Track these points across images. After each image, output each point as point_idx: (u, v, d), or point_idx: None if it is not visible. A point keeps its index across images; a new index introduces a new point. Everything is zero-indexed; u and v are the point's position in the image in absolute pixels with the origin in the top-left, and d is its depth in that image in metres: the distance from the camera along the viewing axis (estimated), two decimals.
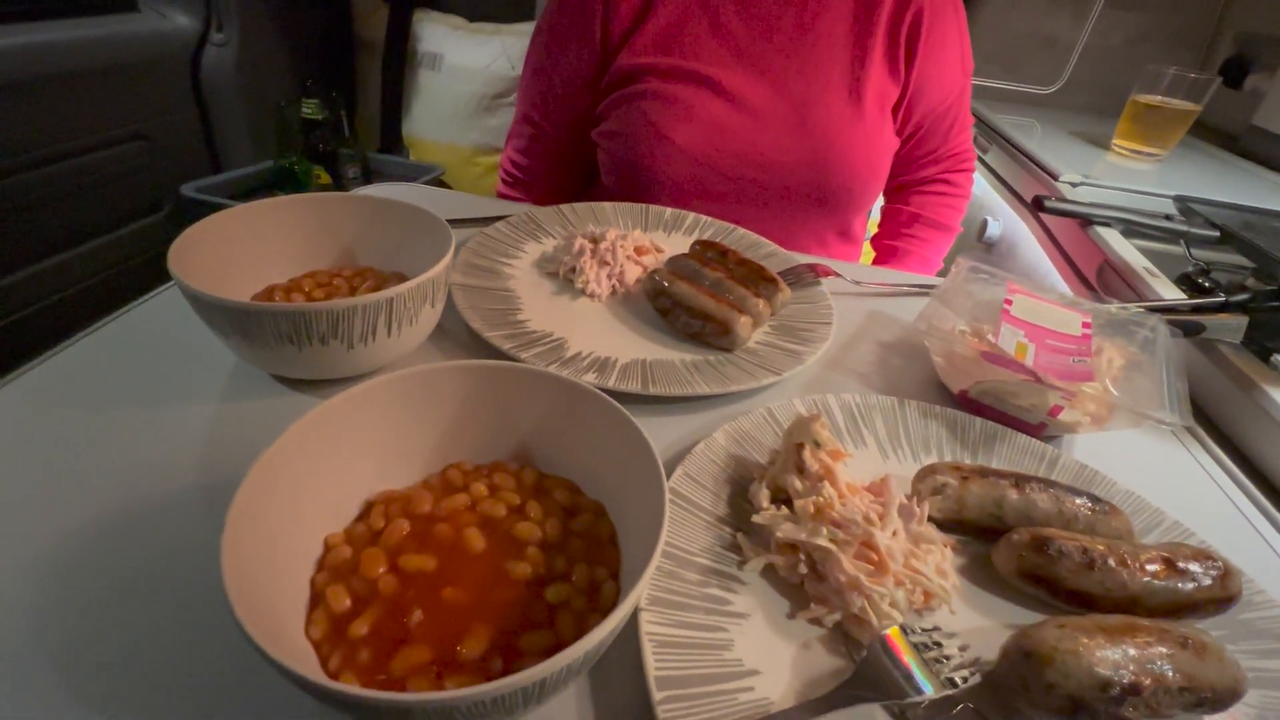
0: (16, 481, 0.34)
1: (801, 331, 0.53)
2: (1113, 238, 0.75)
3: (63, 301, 1.08)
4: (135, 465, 0.35)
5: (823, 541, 0.31)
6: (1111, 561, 0.32)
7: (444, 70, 1.53)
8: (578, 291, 0.56)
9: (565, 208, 0.67)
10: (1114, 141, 1.12)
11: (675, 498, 0.35)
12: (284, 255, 0.48)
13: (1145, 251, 0.77)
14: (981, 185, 1.19)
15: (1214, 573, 0.32)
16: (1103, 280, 0.73)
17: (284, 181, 1.35)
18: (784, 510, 0.33)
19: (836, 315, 0.55)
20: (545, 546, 0.30)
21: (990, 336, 0.45)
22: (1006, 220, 1.09)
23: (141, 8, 1.17)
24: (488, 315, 0.49)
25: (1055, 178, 0.94)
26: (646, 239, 0.62)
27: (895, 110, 0.73)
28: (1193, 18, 1.33)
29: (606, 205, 0.69)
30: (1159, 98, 1.05)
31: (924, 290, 0.64)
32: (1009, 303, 0.50)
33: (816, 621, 0.31)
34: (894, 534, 0.32)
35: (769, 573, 0.33)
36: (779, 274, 0.57)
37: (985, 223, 1.10)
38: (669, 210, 0.70)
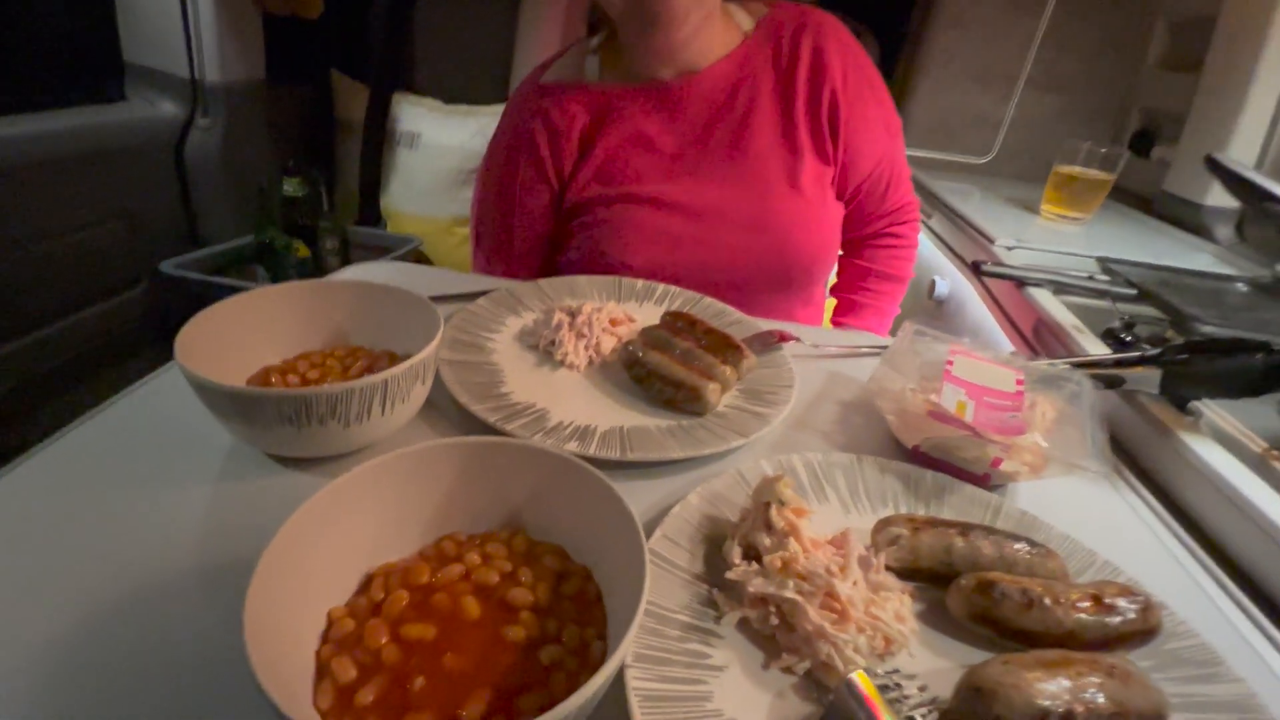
0: (18, 565, 0.35)
1: (766, 395, 0.57)
2: (1044, 297, 0.82)
3: (39, 377, 1.08)
4: (137, 546, 0.37)
5: (790, 594, 0.34)
6: (1048, 601, 0.35)
7: (421, 148, 1.60)
8: (557, 363, 0.59)
9: (544, 282, 0.72)
10: (1043, 207, 1.23)
11: (655, 558, 0.38)
12: (279, 338, 0.51)
13: (1077, 308, 0.84)
14: (929, 247, 1.28)
15: (1137, 607, 0.36)
16: (1039, 337, 0.79)
17: (263, 256, 1.39)
18: (755, 565, 0.36)
19: (798, 378, 0.60)
20: (537, 610, 0.32)
21: (934, 396, 0.50)
22: (954, 280, 1.17)
23: (130, 96, 1.22)
24: (473, 389, 0.52)
25: (991, 241, 1.03)
26: (620, 310, 0.67)
27: (834, 183, 0.81)
28: (1103, 97, 1.49)
29: (581, 279, 0.74)
30: (1078, 168, 1.16)
31: (877, 351, 0.69)
32: (950, 363, 0.55)
33: (789, 670, 0.33)
34: (854, 584, 0.35)
35: (744, 625, 0.35)
36: (743, 341, 0.62)
37: (934, 282, 1.18)
38: (640, 281, 0.75)
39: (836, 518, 0.44)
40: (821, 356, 0.67)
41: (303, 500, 0.30)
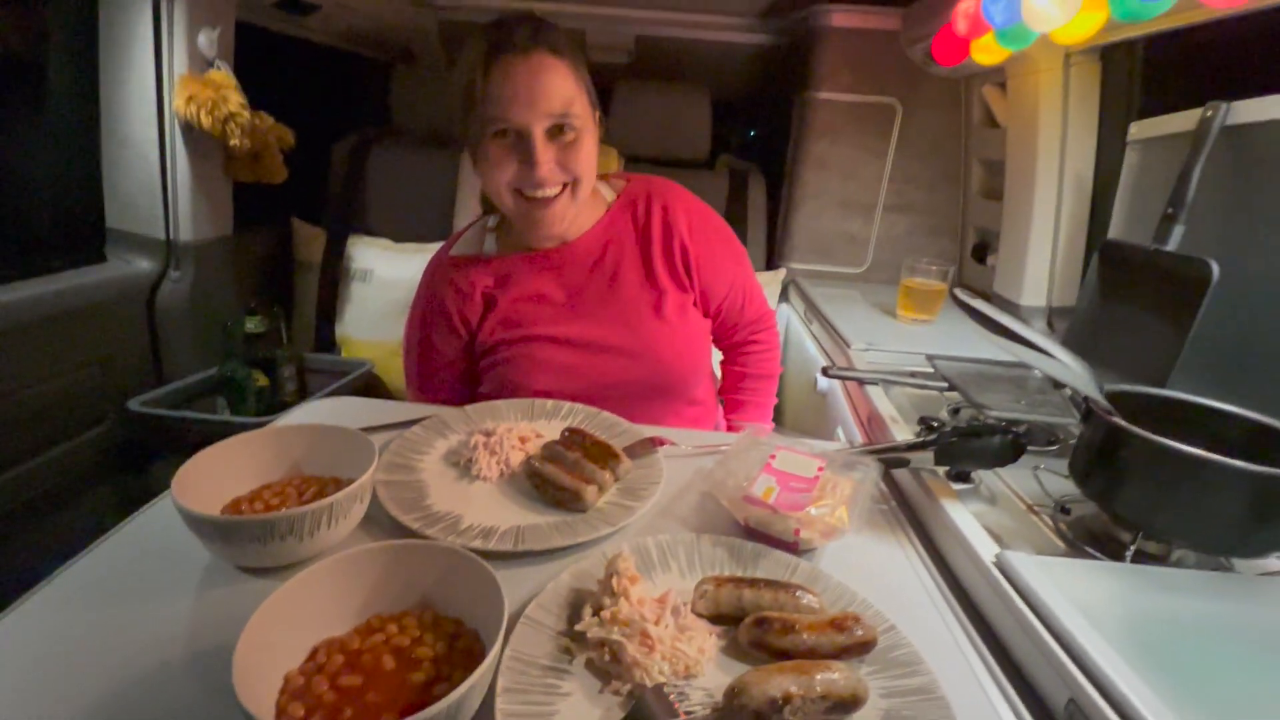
0: (45, 668, 0.47)
1: (639, 491, 0.73)
2: (875, 393, 1.03)
3: (9, 512, 1.15)
4: (140, 643, 0.49)
5: (615, 636, 0.49)
6: (798, 628, 0.51)
7: (373, 282, 1.80)
8: (474, 477, 0.75)
9: (470, 408, 0.89)
10: (898, 311, 1.49)
11: (528, 621, 0.52)
12: (248, 474, 0.65)
13: (917, 398, 1.05)
14: (814, 349, 1.51)
15: (860, 628, 0.52)
16: (871, 425, 0.99)
17: (224, 388, 1.52)
18: (597, 619, 0.51)
19: (670, 473, 0.77)
20: (436, 661, 0.46)
21: (748, 484, 0.67)
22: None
23: (110, 257, 1.39)
24: (403, 503, 0.67)
25: (849, 345, 1.25)
26: (531, 429, 0.83)
27: (696, 305, 1.02)
28: (946, 217, 1.81)
29: (501, 403, 0.91)
30: (918, 279, 1.43)
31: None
32: (773, 458, 0.73)
33: (616, 692, 0.48)
34: (665, 626, 0.51)
35: (589, 664, 0.50)
36: (625, 448, 0.79)
37: (816, 379, 1.40)
38: (550, 402, 0.92)
39: (675, 581, 0.60)
40: (689, 456, 0.84)
41: (267, 598, 0.45)
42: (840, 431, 1.23)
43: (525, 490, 0.73)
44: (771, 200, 1.87)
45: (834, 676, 0.46)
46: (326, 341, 1.86)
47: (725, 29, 1.99)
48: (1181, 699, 0.46)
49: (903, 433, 0.91)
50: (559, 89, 0.83)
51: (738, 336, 1.12)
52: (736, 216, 1.73)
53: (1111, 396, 0.73)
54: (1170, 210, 0.96)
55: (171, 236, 1.43)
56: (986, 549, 0.63)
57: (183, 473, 0.58)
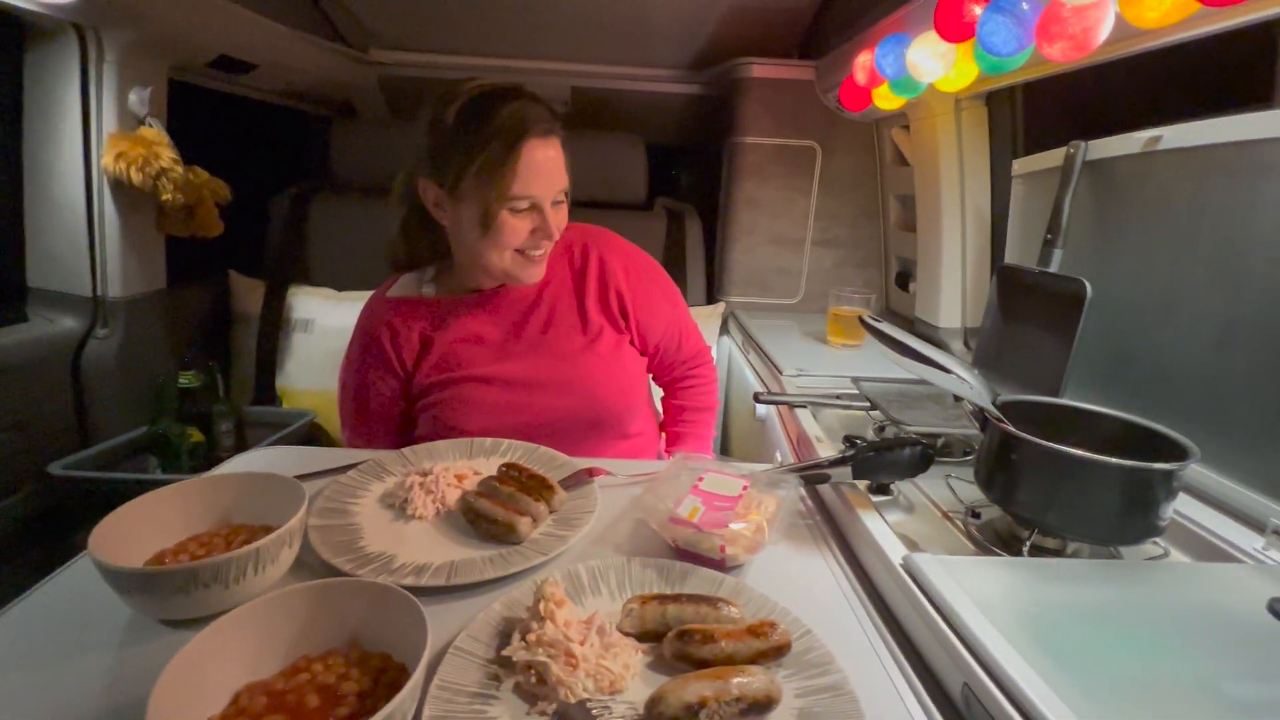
0: None
1: (573, 520, 0.76)
2: (804, 416, 1.08)
3: None
4: (63, 699, 0.48)
5: (540, 657, 0.50)
6: (717, 636, 0.54)
7: (315, 332, 1.79)
8: (410, 516, 0.76)
9: (407, 450, 0.89)
10: (829, 338, 1.57)
11: (457, 651, 0.53)
12: (174, 526, 0.65)
13: (845, 419, 1.11)
14: (751, 378, 1.57)
15: (775, 634, 0.55)
16: (800, 445, 1.04)
17: (156, 446, 1.46)
18: (524, 642, 0.53)
19: (606, 502, 0.79)
20: (361, 696, 0.47)
21: (674, 506, 0.71)
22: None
23: (31, 317, 1.35)
24: (336, 546, 0.67)
25: (780, 371, 1.32)
26: (468, 466, 0.85)
27: (632, 343, 1.06)
28: (870, 249, 1.93)
29: (440, 443, 0.92)
30: (844, 308, 1.52)
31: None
32: (701, 479, 0.77)
33: (543, 713, 0.49)
34: (591, 646, 0.53)
35: (517, 688, 0.51)
36: (562, 480, 0.81)
37: (755, 406, 1.45)
38: (489, 440, 0.94)
39: (606, 603, 0.62)
40: (624, 485, 0.87)
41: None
42: (778, 454, 1.28)
43: (461, 527, 0.74)
44: (709, 238, 1.96)
45: (748, 680, 0.49)
46: (266, 394, 1.82)
47: (656, 80, 2.11)
48: (1065, 677, 0.50)
49: (827, 451, 0.96)
50: (563, 168, 0.94)
51: (676, 372, 1.17)
52: (675, 254, 1.81)
53: (1004, 406, 0.80)
54: (1049, 236, 1.07)
55: (99, 293, 1.39)
56: (896, 553, 0.68)
57: (101, 528, 0.58)
